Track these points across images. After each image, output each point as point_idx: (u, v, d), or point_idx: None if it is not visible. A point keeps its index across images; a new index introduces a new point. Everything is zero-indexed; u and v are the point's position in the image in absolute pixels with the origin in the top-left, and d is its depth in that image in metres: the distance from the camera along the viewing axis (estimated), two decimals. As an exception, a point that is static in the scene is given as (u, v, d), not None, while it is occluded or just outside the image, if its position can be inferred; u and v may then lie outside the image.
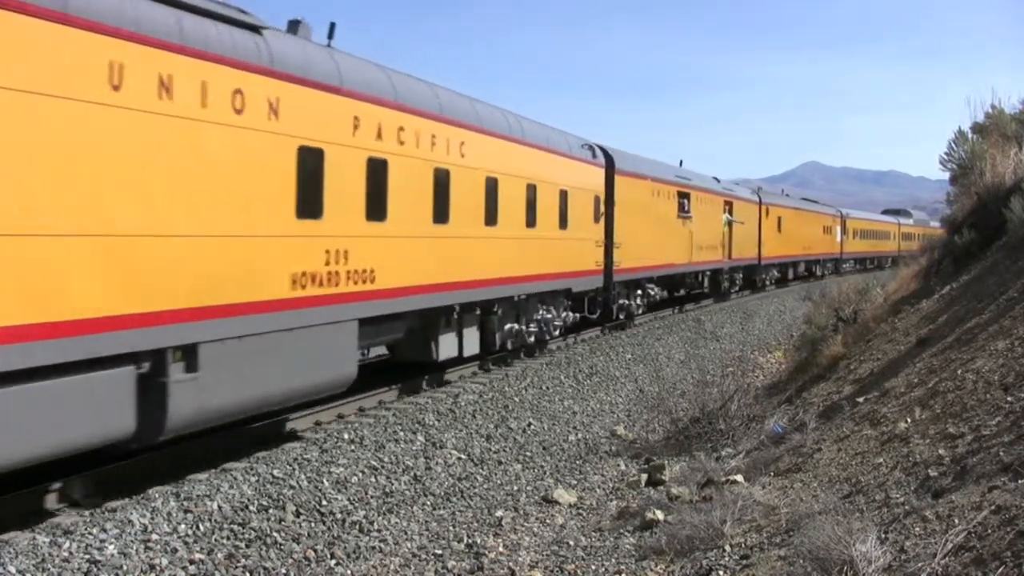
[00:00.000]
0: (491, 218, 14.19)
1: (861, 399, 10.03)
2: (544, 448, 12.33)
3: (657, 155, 32.50)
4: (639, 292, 22.87)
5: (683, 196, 25.86)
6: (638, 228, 21.72)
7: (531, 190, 15.70)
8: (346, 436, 10.42)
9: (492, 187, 14.18)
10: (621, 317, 22.16)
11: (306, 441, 10.23)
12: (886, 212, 70.92)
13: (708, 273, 29.67)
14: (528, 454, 11.90)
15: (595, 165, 19.59)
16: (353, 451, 10.02)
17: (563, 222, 17.26)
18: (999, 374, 7.71)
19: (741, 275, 34.03)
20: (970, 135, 19.86)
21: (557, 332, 17.70)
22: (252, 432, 10.12)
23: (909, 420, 7.97)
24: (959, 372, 8.46)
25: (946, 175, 21.70)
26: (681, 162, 28.78)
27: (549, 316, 17.04)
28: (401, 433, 10.96)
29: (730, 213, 31.24)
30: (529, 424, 13.02)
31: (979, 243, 15.72)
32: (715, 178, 32.14)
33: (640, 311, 23.36)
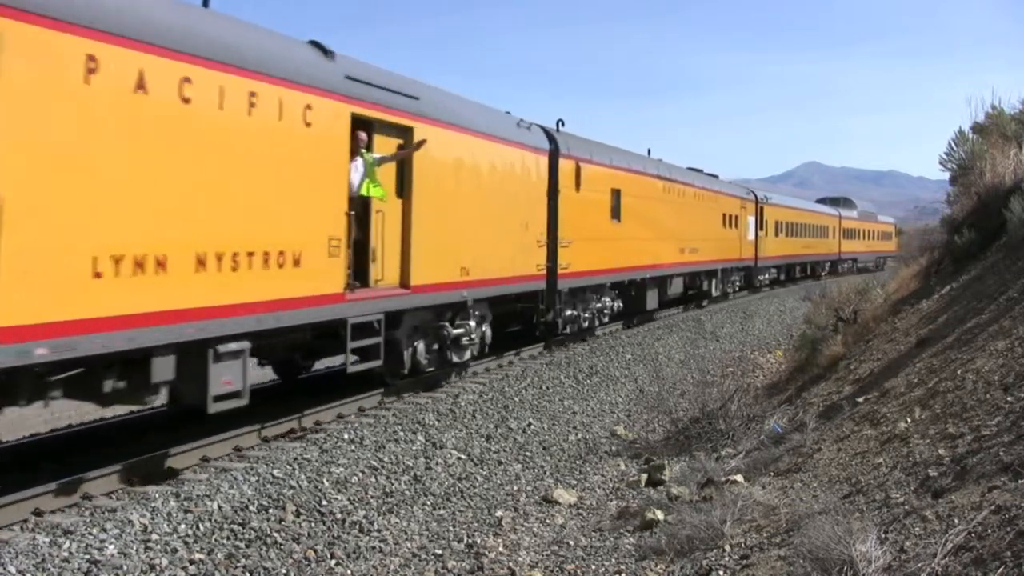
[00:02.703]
0: None
1: (861, 399, 10.03)
2: (544, 448, 12.33)
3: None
4: None
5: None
6: None
7: None
8: (346, 436, 10.42)
9: None
10: None
11: (306, 441, 10.22)
12: (821, 201, 56.37)
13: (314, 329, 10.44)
14: (528, 454, 11.90)
15: None
16: (353, 451, 10.02)
17: None
18: (999, 374, 7.71)
19: (482, 319, 14.19)
20: (970, 135, 19.85)
21: None
22: (252, 432, 10.12)
23: (909, 420, 7.97)
24: (959, 372, 8.46)
25: (946, 175, 21.70)
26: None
27: None
28: (401, 433, 10.95)
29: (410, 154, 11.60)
30: (529, 424, 13.02)
31: (979, 243, 15.72)
32: (317, 44, 10.08)
33: None
